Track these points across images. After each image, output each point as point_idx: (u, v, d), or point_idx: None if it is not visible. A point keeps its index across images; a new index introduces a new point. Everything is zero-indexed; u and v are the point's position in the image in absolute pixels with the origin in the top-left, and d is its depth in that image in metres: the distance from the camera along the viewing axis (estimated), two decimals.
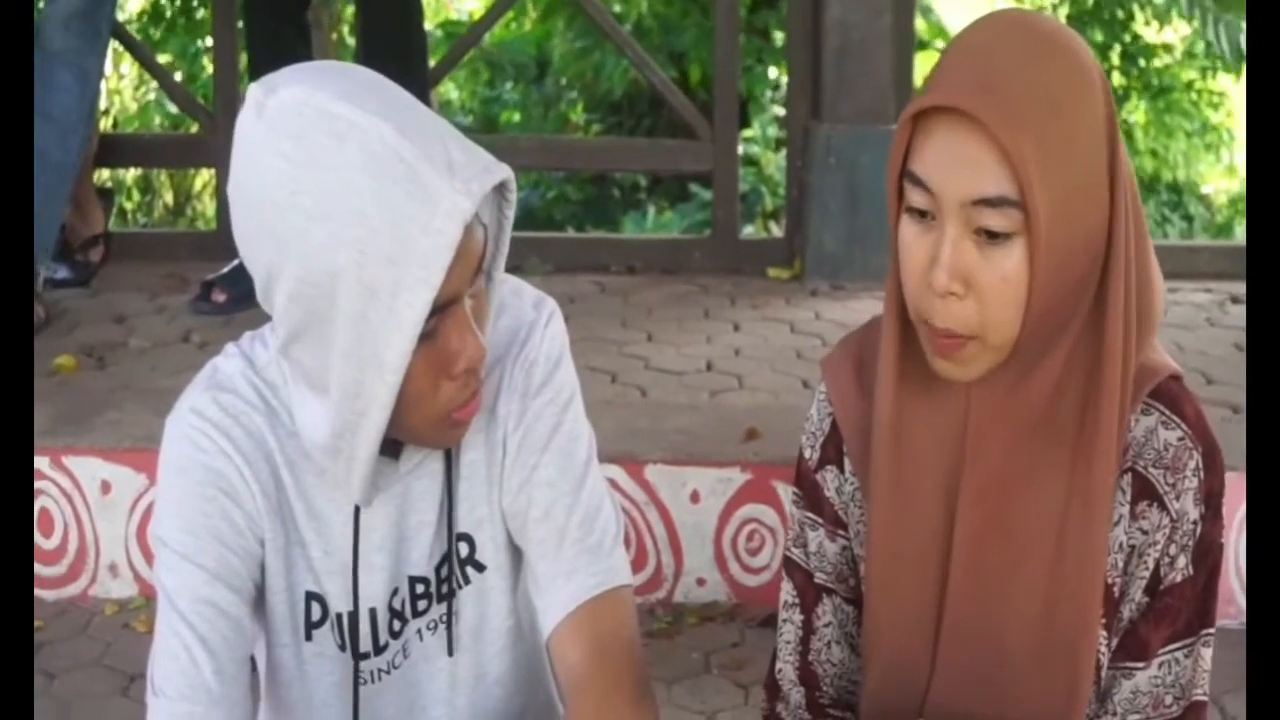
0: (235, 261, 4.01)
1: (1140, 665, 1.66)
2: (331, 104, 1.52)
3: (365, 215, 1.50)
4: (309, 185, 1.51)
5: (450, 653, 1.76)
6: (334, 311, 1.53)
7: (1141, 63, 7.95)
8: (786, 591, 1.80)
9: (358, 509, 1.70)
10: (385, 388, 1.55)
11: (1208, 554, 1.66)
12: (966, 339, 1.58)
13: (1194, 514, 1.64)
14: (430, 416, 1.61)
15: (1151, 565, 1.65)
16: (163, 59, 6.77)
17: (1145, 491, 1.64)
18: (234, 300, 4.13)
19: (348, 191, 1.50)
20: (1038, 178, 1.51)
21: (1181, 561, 1.65)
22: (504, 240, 1.64)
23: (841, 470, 1.74)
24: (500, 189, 1.61)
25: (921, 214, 1.57)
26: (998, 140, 1.51)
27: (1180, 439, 1.64)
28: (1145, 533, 1.65)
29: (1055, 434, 1.62)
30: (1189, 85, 8.11)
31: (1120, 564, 1.65)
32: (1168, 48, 8.14)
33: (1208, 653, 1.68)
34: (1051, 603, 1.64)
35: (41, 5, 4.06)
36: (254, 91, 1.56)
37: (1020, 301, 1.56)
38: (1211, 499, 1.65)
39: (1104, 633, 1.66)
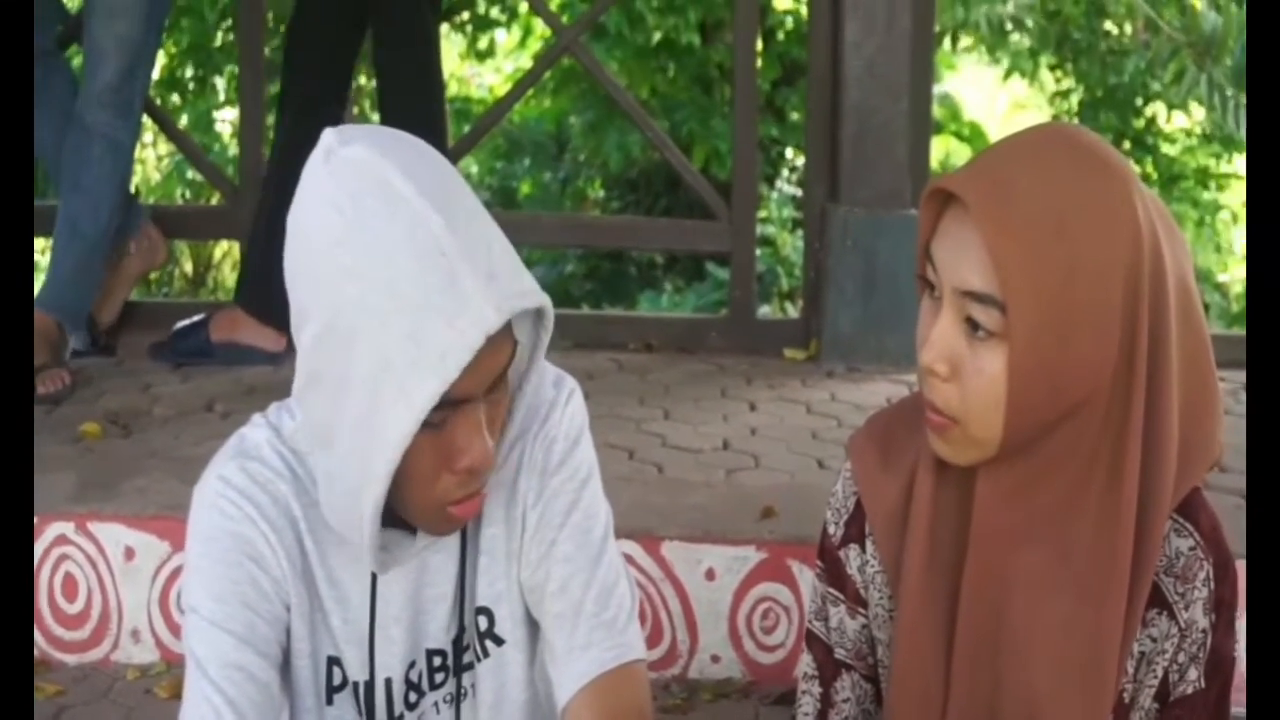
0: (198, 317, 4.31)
1: None
2: (393, 175, 1.55)
3: (397, 289, 1.53)
4: (352, 244, 1.54)
5: None
6: (350, 370, 1.55)
7: (1154, 150, 8.00)
8: (806, 663, 1.82)
9: (374, 578, 1.73)
10: (383, 463, 1.57)
11: (1219, 667, 1.66)
12: (951, 422, 1.60)
13: (1203, 623, 1.64)
14: (426, 502, 1.64)
15: (1160, 673, 1.65)
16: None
17: (1155, 599, 1.64)
18: (179, 351, 4.32)
19: (386, 262, 1.53)
20: (1024, 288, 1.52)
21: (1193, 673, 1.65)
22: (537, 360, 1.68)
23: (864, 550, 1.76)
24: (538, 314, 1.64)
25: (934, 290, 1.61)
26: (985, 238, 1.53)
27: (1192, 548, 1.64)
28: (1154, 640, 1.65)
29: (1064, 553, 1.62)
30: (1202, 171, 8.15)
31: (1130, 670, 1.66)
32: (1188, 133, 8.18)
33: None
34: (1047, 713, 1.63)
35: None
36: (329, 136, 1.59)
37: (1000, 403, 1.57)
38: (1222, 609, 1.65)
39: None
